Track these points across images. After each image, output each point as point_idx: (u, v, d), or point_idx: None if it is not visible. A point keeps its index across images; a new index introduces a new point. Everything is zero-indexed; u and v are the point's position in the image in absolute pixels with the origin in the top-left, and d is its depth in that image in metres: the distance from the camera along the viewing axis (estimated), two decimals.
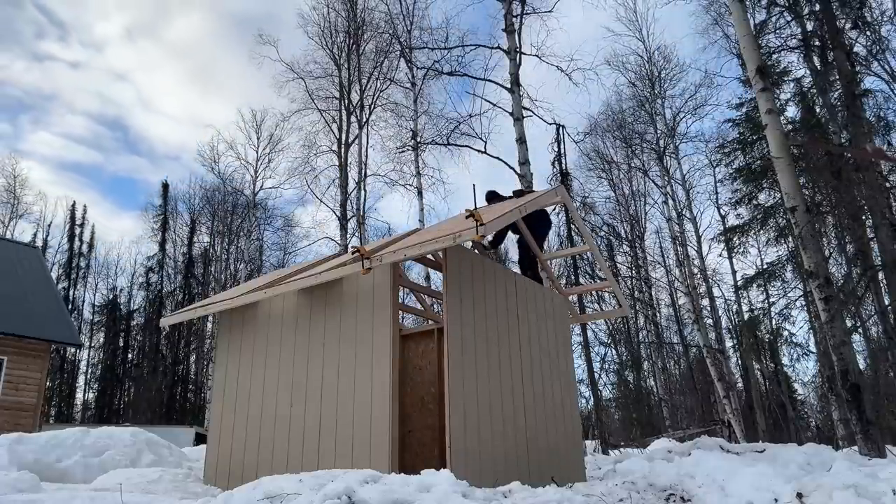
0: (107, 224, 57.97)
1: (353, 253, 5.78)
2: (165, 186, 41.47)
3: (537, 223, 7.82)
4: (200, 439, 18.70)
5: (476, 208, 6.61)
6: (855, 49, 14.71)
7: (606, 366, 27.37)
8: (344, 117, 23.08)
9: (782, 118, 12.80)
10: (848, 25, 14.57)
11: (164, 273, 40.04)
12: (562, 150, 16.51)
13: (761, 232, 20.22)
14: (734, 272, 25.59)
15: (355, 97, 22.99)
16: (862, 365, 16.66)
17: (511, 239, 8.31)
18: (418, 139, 20.36)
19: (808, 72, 15.84)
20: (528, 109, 15.04)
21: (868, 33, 14.72)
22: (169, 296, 39.64)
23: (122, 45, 56.02)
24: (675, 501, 4.62)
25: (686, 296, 23.54)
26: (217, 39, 53.77)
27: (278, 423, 5.94)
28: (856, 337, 17.50)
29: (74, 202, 42.92)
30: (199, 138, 77.61)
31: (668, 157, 23.82)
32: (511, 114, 14.54)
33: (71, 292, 39.99)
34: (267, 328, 6.45)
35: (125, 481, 5.75)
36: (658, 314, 30.04)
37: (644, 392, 29.41)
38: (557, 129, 16.46)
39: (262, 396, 6.20)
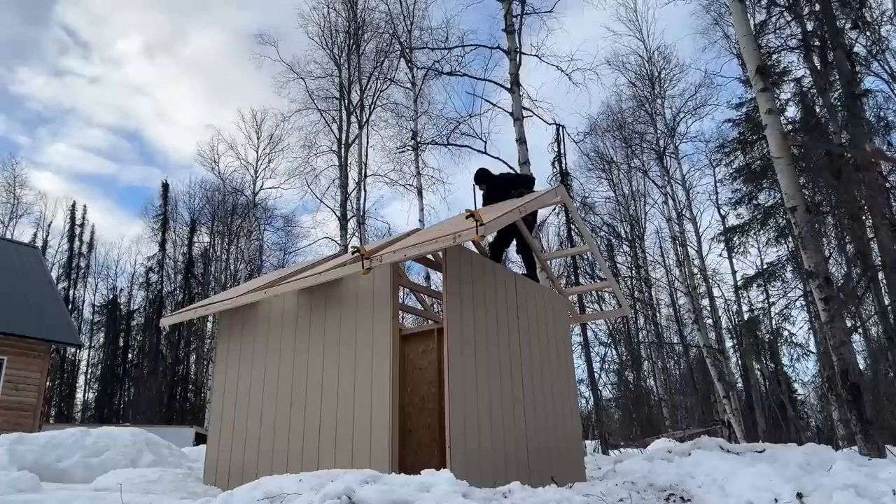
0: (119, 231, 59.16)
1: (353, 253, 5.78)
2: (165, 187, 41.51)
3: (502, 189, 7.74)
4: (200, 439, 18.70)
5: (476, 208, 6.61)
6: (855, 49, 14.73)
7: (606, 366, 27.41)
8: (344, 117, 23.10)
9: (782, 118, 12.79)
10: (848, 25, 14.58)
11: (164, 273, 40.08)
12: (562, 151, 16.53)
13: (761, 232, 20.25)
14: (734, 272, 25.64)
15: (355, 97, 23.03)
16: (862, 365, 16.66)
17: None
18: (418, 139, 20.36)
19: (808, 72, 15.84)
20: (528, 109, 15.03)
21: (868, 33, 14.72)
22: (169, 296, 39.65)
23: (140, 61, 57.52)
24: (675, 501, 4.62)
25: (686, 296, 23.53)
26: (231, 54, 54.80)
27: (278, 423, 5.94)
28: (856, 337, 17.49)
29: (74, 202, 42.97)
30: (201, 139, 78.24)
31: (668, 157, 23.82)
32: (511, 114, 14.52)
33: (71, 292, 39.99)
34: (267, 328, 6.45)
35: (125, 481, 5.74)
36: (658, 314, 30.05)
37: (644, 392, 29.40)
38: (557, 130, 16.47)
39: (262, 396, 6.19)
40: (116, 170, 61.13)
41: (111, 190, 61.48)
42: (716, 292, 25.14)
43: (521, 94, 14.58)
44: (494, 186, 7.85)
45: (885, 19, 15.06)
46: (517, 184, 7.72)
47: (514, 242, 7.82)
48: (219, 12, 54.28)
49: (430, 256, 6.60)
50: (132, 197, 62.55)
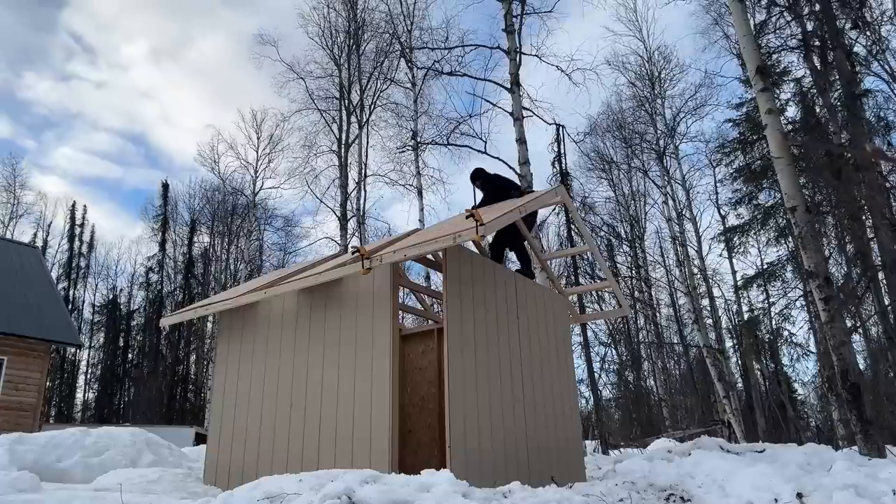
0: (123, 234, 59.40)
1: (353, 253, 5.78)
2: (165, 187, 41.49)
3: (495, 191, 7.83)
4: (200, 439, 18.70)
5: (476, 208, 6.61)
6: (855, 49, 14.73)
7: (606, 366, 27.41)
8: (344, 117, 23.10)
9: (782, 118, 12.79)
10: (848, 25, 14.58)
11: (164, 273, 40.06)
12: (562, 151, 16.53)
13: (761, 232, 20.25)
14: (734, 272, 25.64)
15: (355, 97, 23.02)
16: (862, 365, 16.66)
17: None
18: (418, 139, 20.36)
19: (808, 72, 15.84)
20: (528, 109, 15.02)
21: (868, 33, 14.73)
22: (169, 296, 39.64)
23: (146, 65, 57.90)
24: (674, 501, 4.62)
25: (686, 296, 23.53)
26: (234, 58, 55.02)
27: (278, 423, 5.94)
28: (856, 337, 17.49)
29: (74, 202, 42.94)
30: (202, 139, 78.48)
31: (667, 158, 23.82)
32: (511, 114, 14.52)
33: (71, 292, 39.98)
34: (267, 328, 6.45)
35: (125, 481, 5.74)
36: (658, 314, 30.05)
37: (644, 392, 29.41)
38: (557, 130, 16.47)
39: (262, 396, 6.20)
40: (122, 173, 61.84)
41: (116, 193, 62.21)
42: (716, 292, 25.17)
43: (521, 94, 14.58)
44: (489, 184, 8.02)
45: (885, 19, 15.08)
46: (511, 189, 7.84)
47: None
48: (223, 16, 54.60)
49: (430, 256, 6.61)
50: (137, 200, 63.34)
